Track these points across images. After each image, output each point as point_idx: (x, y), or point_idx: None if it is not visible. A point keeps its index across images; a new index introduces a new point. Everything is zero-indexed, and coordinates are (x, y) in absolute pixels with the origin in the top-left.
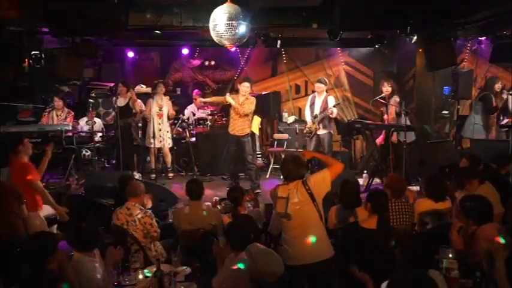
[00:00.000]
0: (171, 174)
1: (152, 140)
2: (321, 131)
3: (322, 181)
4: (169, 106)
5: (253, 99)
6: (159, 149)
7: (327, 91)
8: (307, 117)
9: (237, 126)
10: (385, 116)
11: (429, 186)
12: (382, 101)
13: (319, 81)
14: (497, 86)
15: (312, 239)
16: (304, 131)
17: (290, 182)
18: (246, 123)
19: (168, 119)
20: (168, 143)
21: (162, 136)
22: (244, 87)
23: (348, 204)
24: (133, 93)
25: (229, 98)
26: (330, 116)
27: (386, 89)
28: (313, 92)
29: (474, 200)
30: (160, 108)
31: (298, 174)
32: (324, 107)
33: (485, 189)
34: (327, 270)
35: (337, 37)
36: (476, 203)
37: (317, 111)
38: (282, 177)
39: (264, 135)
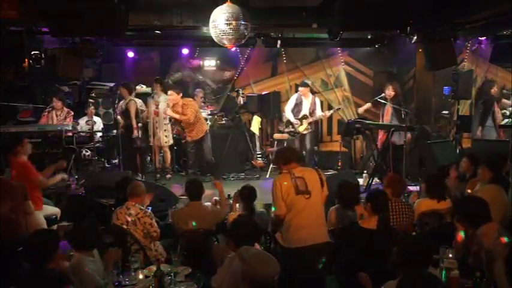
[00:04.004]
0: (168, 175)
1: (152, 139)
2: (307, 131)
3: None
4: (168, 103)
5: (191, 102)
6: (161, 148)
7: (312, 93)
8: (291, 116)
9: (193, 132)
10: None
11: (429, 184)
12: (382, 100)
13: (302, 84)
14: (494, 91)
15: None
16: (287, 130)
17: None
18: (199, 126)
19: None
20: (164, 141)
21: (158, 134)
22: (172, 96)
23: (347, 203)
24: (132, 96)
25: (172, 114)
26: (323, 118)
27: (389, 92)
28: (296, 91)
29: (467, 203)
30: (157, 106)
31: (297, 157)
32: (313, 108)
33: (492, 190)
34: (328, 252)
35: (337, 37)
36: (470, 206)
37: (305, 111)
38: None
39: (264, 135)
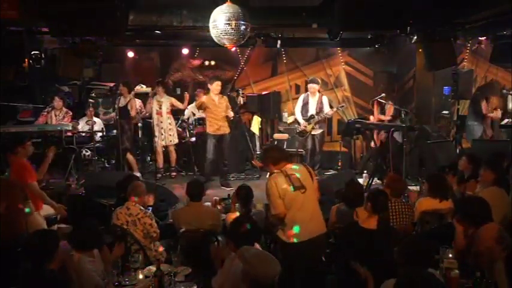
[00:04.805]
0: (174, 173)
1: (156, 139)
2: (317, 131)
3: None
4: (172, 101)
5: (225, 97)
6: (165, 148)
7: (319, 91)
8: (299, 117)
9: (223, 125)
10: (372, 118)
11: (432, 183)
12: (382, 101)
13: (313, 81)
14: (484, 106)
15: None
16: (297, 131)
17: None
18: (227, 121)
19: (177, 113)
20: (169, 140)
21: (163, 134)
22: (218, 86)
23: (352, 203)
24: (133, 94)
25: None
26: (327, 117)
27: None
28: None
29: (468, 203)
30: (160, 106)
31: (286, 156)
32: (320, 107)
33: (494, 192)
34: (324, 244)
35: (337, 37)
36: (471, 206)
37: (312, 111)
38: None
39: (264, 135)
